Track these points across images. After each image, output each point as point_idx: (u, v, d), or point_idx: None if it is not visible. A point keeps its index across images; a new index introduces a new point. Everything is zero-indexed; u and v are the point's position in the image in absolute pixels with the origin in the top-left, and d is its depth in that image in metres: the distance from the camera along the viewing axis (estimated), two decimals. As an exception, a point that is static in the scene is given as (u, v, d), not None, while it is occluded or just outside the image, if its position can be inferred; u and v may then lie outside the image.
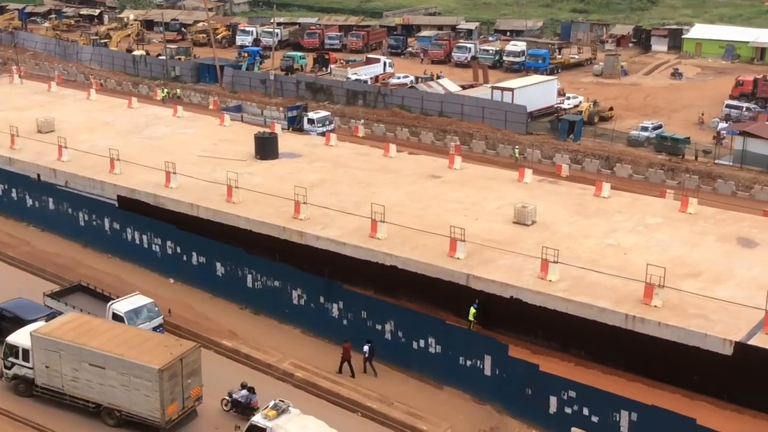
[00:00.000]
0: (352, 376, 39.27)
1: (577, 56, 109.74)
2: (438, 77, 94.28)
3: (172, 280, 48.82)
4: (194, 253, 48.11)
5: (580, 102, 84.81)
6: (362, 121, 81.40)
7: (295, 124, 75.45)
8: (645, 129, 73.79)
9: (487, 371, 37.34)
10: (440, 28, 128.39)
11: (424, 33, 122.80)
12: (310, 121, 75.45)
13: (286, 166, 56.61)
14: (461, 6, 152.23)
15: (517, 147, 72.01)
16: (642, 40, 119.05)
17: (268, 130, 64.41)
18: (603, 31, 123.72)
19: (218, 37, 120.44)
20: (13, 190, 58.31)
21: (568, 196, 50.85)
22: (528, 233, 44.44)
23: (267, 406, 32.99)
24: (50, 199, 56.00)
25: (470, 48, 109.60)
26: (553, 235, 44.18)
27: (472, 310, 39.54)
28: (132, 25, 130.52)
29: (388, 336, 40.49)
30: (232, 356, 41.52)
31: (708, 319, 35.14)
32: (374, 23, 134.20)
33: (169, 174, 51.90)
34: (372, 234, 43.92)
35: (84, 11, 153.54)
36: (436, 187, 52.39)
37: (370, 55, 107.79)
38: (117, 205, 53.03)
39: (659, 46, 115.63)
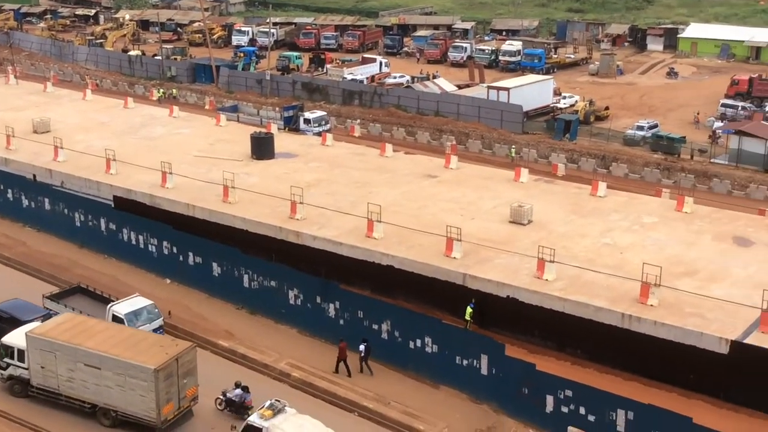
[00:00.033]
0: (349, 375, 39.29)
1: (572, 56, 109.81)
2: (434, 77, 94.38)
3: (168, 281, 48.79)
4: (190, 254, 48.09)
5: (576, 101, 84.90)
6: (358, 120, 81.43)
7: (291, 124, 75.43)
8: (641, 128, 73.89)
9: (484, 371, 37.37)
10: (436, 27, 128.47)
11: (420, 33, 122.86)
12: (307, 121, 75.46)
13: (282, 166, 56.59)
14: (457, 5, 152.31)
15: (512, 146, 72.06)
16: (638, 39, 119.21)
17: (264, 130, 64.40)
18: (599, 30, 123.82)
19: (214, 37, 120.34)
20: (9, 190, 58.25)
21: (564, 195, 50.88)
22: (524, 233, 44.46)
23: (263, 406, 32.97)
24: (46, 200, 55.93)
25: (466, 48, 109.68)
26: (550, 234, 44.21)
27: (469, 310, 39.55)
28: (128, 25, 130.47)
29: (384, 336, 40.51)
30: (229, 356, 41.51)
31: (704, 318, 35.19)
32: (370, 23, 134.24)
33: (165, 174, 51.85)
34: (368, 234, 43.92)
35: (79, 11, 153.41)
36: (433, 187, 52.40)
37: (366, 55, 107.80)
38: (113, 206, 52.98)
39: (655, 45, 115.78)
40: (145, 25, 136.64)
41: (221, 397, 36.73)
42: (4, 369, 37.21)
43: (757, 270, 39.86)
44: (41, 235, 55.34)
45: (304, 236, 45.13)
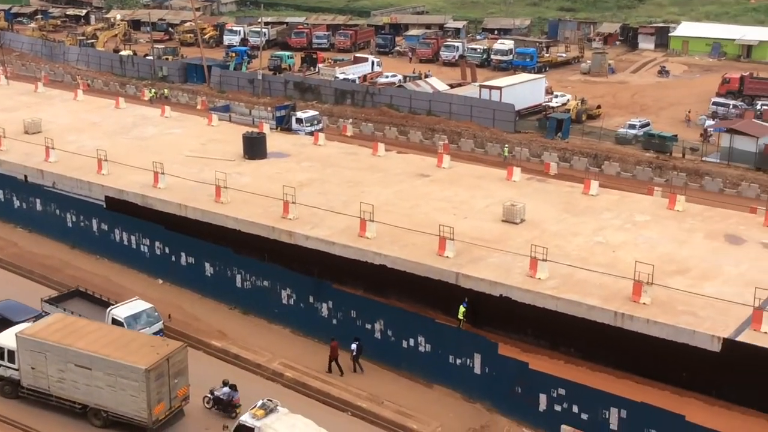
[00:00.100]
0: (341, 374, 39.32)
1: (564, 54, 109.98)
2: (426, 76, 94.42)
3: (160, 281, 48.72)
4: (183, 254, 48.02)
5: (568, 100, 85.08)
6: (350, 120, 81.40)
7: (283, 124, 75.38)
8: (633, 127, 74.06)
9: (477, 370, 37.40)
10: (428, 26, 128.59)
11: (412, 32, 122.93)
12: (299, 121, 75.41)
13: (274, 165, 56.50)
14: (449, 5, 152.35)
15: (506, 145, 72.12)
16: (629, 38, 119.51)
17: (256, 129, 64.26)
18: (590, 29, 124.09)
19: (206, 36, 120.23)
20: (0, 191, 58.10)
21: (557, 194, 50.92)
22: (517, 231, 44.48)
23: (255, 406, 32.98)
24: (38, 201, 55.77)
25: (458, 47, 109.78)
26: (542, 233, 44.25)
27: (462, 309, 39.54)
28: (119, 25, 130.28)
29: (377, 335, 40.52)
30: (222, 356, 41.46)
31: (696, 316, 35.25)
32: (362, 22, 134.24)
33: (157, 174, 51.72)
34: (361, 233, 43.89)
35: (70, 11, 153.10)
36: (425, 186, 52.39)
37: (358, 54, 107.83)
38: (105, 206, 52.81)
39: (646, 44, 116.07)
40: (136, 25, 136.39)
41: (209, 395, 36.74)
42: (-5, 370, 37.12)
43: (749, 268, 39.95)
44: (33, 236, 55.20)
45: (296, 236, 45.07)
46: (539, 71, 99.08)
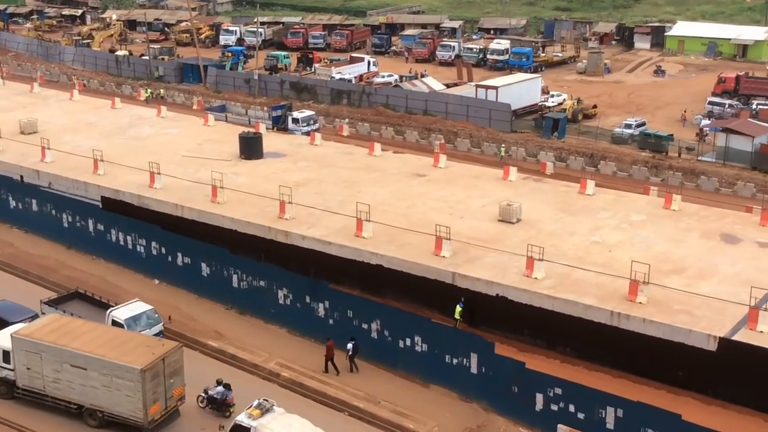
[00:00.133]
0: (337, 373, 39.33)
1: (560, 54, 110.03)
2: (422, 76, 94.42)
3: (156, 281, 48.66)
4: (179, 254, 47.97)
5: (564, 100, 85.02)
6: (347, 120, 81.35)
7: (279, 124, 75.31)
8: (629, 126, 74.12)
9: (474, 369, 37.40)
10: (424, 26, 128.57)
11: (408, 32, 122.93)
12: (295, 121, 75.36)
13: (270, 165, 56.50)
14: (445, 4, 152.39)
15: (503, 145, 72.15)
16: (625, 37, 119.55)
17: (252, 129, 64.27)
18: (586, 28, 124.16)
19: (202, 36, 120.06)
20: (-4, 191, 58.04)
21: (553, 193, 50.98)
22: (513, 231, 44.52)
23: (251, 406, 32.97)
24: (34, 201, 55.69)
25: (454, 46, 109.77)
26: (539, 232, 44.29)
27: (458, 309, 39.58)
28: (115, 25, 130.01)
29: (374, 335, 40.50)
30: (218, 357, 41.42)
31: (692, 315, 35.32)
32: (358, 22, 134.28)
33: (153, 174, 51.70)
34: (357, 233, 43.90)
35: (66, 11, 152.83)
36: (421, 186, 52.42)
37: (354, 54, 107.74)
38: (101, 206, 52.78)
39: (642, 43, 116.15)
40: (132, 25, 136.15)
41: (203, 394, 36.74)
42: (-9, 371, 37.06)
43: (745, 267, 40.04)
44: (29, 237, 55.11)
45: (293, 236, 45.07)
46: (535, 71, 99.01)
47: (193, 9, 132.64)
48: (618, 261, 40.18)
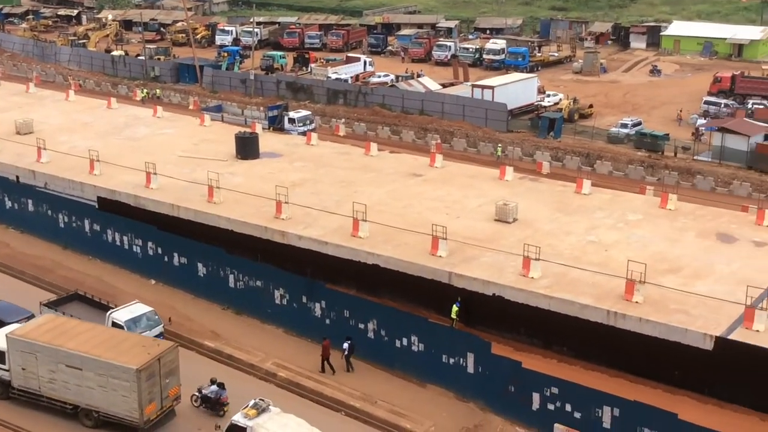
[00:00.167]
0: (333, 372, 39.35)
1: (556, 54, 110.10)
2: (418, 76, 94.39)
3: (153, 281, 48.64)
4: (175, 254, 47.94)
5: (560, 99, 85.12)
6: (343, 120, 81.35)
7: (275, 124, 75.28)
8: (624, 126, 74.15)
9: (470, 369, 37.43)
10: (420, 26, 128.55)
11: (404, 32, 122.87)
12: (291, 121, 75.32)
13: (267, 165, 56.47)
14: (441, 4, 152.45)
15: (499, 145, 72.19)
16: (621, 37, 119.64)
17: (248, 129, 64.22)
18: (582, 28, 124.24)
19: (197, 36, 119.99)
20: (-8, 192, 57.94)
21: (549, 193, 51.02)
22: (509, 231, 44.55)
23: (247, 405, 32.97)
24: (29, 201, 55.62)
25: (450, 46, 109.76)
26: (535, 232, 44.32)
27: (455, 308, 39.59)
28: (110, 25, 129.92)
29: (371, 335, 40.51)
30: (215, 357, 41.40)
31: (688, 315, 35.37)
32: (354, 22, 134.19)
33: (149, 175, 51.64)
34: (354, 233, 43.90)
35: (62, 12, 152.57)
36: (418, 186, 52.43)
37: (350, 54, 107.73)
38: (97, 207, 52.72)
39: (638, 43, 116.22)
40: (128, 25, 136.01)
41: (197, 393, 36.76)
42: (-14, 371, 36.99)
43: (741, 266, 40.10)
44: (25, 237, 55.05)
45: (289, 236, 45.06)
46: (531, 70, 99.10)
47: (189, 9, 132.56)
48: (614, 260, 40.22)
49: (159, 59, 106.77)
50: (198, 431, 35.54)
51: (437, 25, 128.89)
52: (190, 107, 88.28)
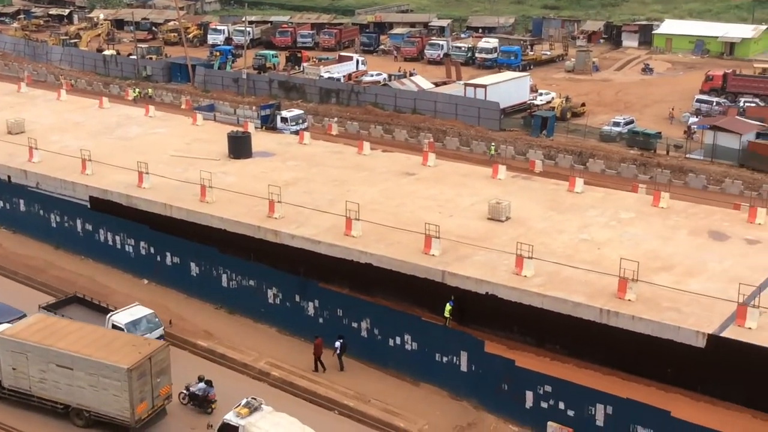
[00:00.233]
0: (323, 370, 39.39)
1: (548, 52, 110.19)
2: (411, 75, 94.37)
3: (145, 281, 48.55)
4: (168, 254, 47.86)
5: (553, 98, 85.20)
6: (336, 119, 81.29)
7: (268, 123, 75.17)
8: (617, 124, 74.27)
9: (464, 367, 37.45)
10: (412, 25, 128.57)
11: (397, 30, 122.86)
12: (284, 120, 75.23)
13: (259, 165, 56.39)
14: (433, 3, 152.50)
15: (493, 144, 72.24)
16: (613, 35, 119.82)
17: (241, 129, 64.09)
18: (574, 27, 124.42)
19: (190, 36, 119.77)
20: (-17, 192, 57.72)
21: (542, 191, 51.05)
22: (502, 229, 44.57)
23: (239, 404, 32.96)
24: (21, 201, 55.46)
25: (443, 45, 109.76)
26: (528, 230, 44.34)
27: (448, 307, 39.56)
28: (102, 24, 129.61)
29: (364, 333, 40.52)
30: (208, 356, 41.34)
31: (681, 312, 35.42)
32: (346, 21, 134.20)
33: (141, 174, 51.51)
34: (347, 232, 43.86)
35: (53, 11, 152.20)
36: (411, 185, 52.42)
37: (342, 53, 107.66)
38: (89, 206, 52.57)
39: (630, 41, 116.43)
40: (119, 24, 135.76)
41: (185, 391, 36.76)
42: (-24, 371, 36.85)
43: (733, 264, 40.18)
44: (17, 237, 54.90)
45: (282, 235, 45.00)
46: (524, 69, 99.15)
47: (181, 8, 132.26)
48: (607, 258, 40.27)
49: (151, 58, 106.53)
50: (191, 430, 35.50)
51: (430, 24, 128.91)
52: (183, 106, 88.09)
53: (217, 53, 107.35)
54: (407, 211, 47.44)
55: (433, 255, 41.23)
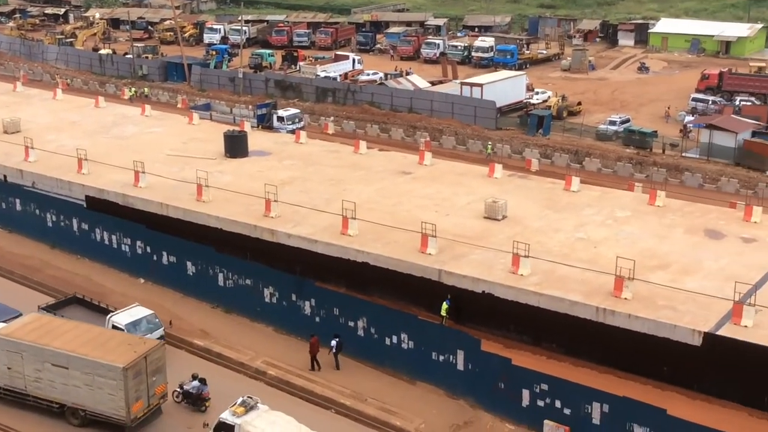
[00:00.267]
0: (318, 369, 39.42)
1: (545, 51, 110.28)
2: (407, 73, 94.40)
3: (142, 280, 48.52)
4: (164, 253, 47.82)
5: (549, 97, 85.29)
6: (332, 118, 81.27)
7: (264, 122, 75.19)
8: (613, 123, 74.37)
9: (460, 366, 37.47)
10: (409, 24, 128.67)
11: (393, 29, 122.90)
12: (280, 119, 75.22)
13: (256, 164, 56.35)
14: (429, 2, 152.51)
15: (489, 142, 72.28)
16: (609, 34, 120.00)
17: (237, 128, 64.08)
18: (570, 26, 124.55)
19: (186, 35, 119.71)
20: (-21, 191, 57.62)
21: (538, 190, 51.08)
22: (499, 228, 44.58)
23: (235, 403, 32.95)
24: (17, 200, 55.38)
25: (439, 44, 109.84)
26: (524, 229, 44.37)
27: (445, 306, 39.57)
28: (98, 23, 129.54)
29: (360, 333, 40.52)
30: (204, 355, 41.32)
31: (677, 311, 35.46)
32: (343, 20, 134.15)
33: (137, 173, 51.45)
34: (343, 231, 43.85)
35: (49, 10, 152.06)
36: (407, 184, 52.42)
37: (338, 52, 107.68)
38: (85, 206, 52.51)
39: (626, 40, 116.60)
40: (115, 23, 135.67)
41: (178, 389, 36.77)
42: (-29, 371, 36.80)
43: (729, 262, 40.23)
44: (13, 236, 54.82)
45: (278, 234, 44.98)
46: (520, 68, 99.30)
47: (177, 7, 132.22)
48: (603, 257, 40.30)
49: (147, 58, 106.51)
50: (188, 430, 35.49)
51: (426, 23, 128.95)
52: (179, 106, 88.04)
53: (213, 52, 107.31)
54: (404, 210, 47.45)
55: (430, 254, 41.23)
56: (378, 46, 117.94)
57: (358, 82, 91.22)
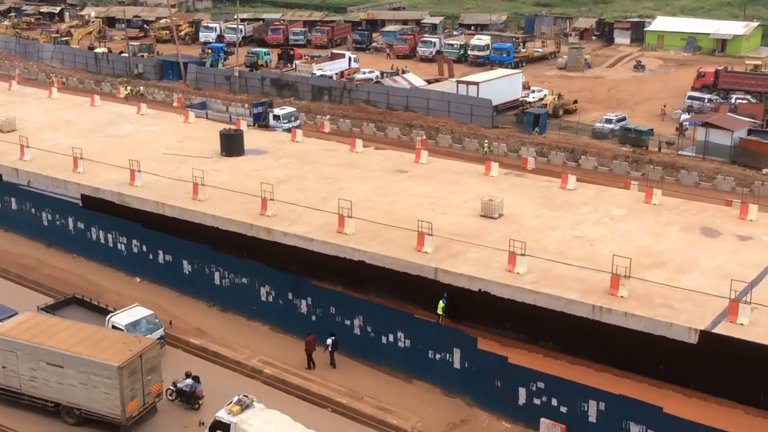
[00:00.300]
0: (313, 367, 39.45)
1: (541, 50, 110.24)
2: (403, 72, 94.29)
3: (138, 279, 48.47)
4: (160, 252, 47.78)
5: (545, 95, 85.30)
6: (328, 116, 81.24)
7: (260, 121, 75.12)
8: (609, 121, 74.39)
9: (457, 364, 37.48)
10: (405, 22, 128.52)
11: (389, 28, 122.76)
12: (276, 118, 75.17)
13: (252, 162, 56.30)
14: (425, 1, 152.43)
15: (486, 141, 72.29)
16: (605, 32, 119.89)
17: (233, 126, 63.99)
18: (566, 24, 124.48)
19: (181, 33, 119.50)
20: (-25, 190, 57.49)
21: (535, 188, 51.08)
22: (495, 226, 44.57)
23: (231, 402, 32.95)
24: (13, 199, 55.28)
25: (435, 42, 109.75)
26: (521, 227, 44.36)
27: (441, 304, 39.55)
28: (93, 22, 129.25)
29: (357, 331, 40.52)
30: (200, 354, 41.29)
31: (673, 309, 35.48)
32: (339, 18, 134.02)
33: (133, 172, 51.36)
34: (340, 229, 43.81)
35: (44, 9, 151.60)
36: (403, 182, 52.39)
37: (335, 51, 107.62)
38: (81, 205, 52.43)
39: (622, 38, 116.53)
40: (111, 22, 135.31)
41: (172, 387, 36.76)
42: (-34, 370, 36.73)
43: (725, 260, 40.26)
44: (8, 235, 54.74)
45: (274, 233, 44.94)
46: (516, 66, 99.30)
47: (173, 6, 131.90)
48: (599, 255, 40.31)
49: (142, 56, 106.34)
50: (184, 428, 35.46)
51: (422, 22, 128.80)
52: (174, 104, 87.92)
53: (209, 51, 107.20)
54: (400, 208, 47.42)
55: (426, 252, 41.21)
56: (374, 44, 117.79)
57: (354, 81, 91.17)
